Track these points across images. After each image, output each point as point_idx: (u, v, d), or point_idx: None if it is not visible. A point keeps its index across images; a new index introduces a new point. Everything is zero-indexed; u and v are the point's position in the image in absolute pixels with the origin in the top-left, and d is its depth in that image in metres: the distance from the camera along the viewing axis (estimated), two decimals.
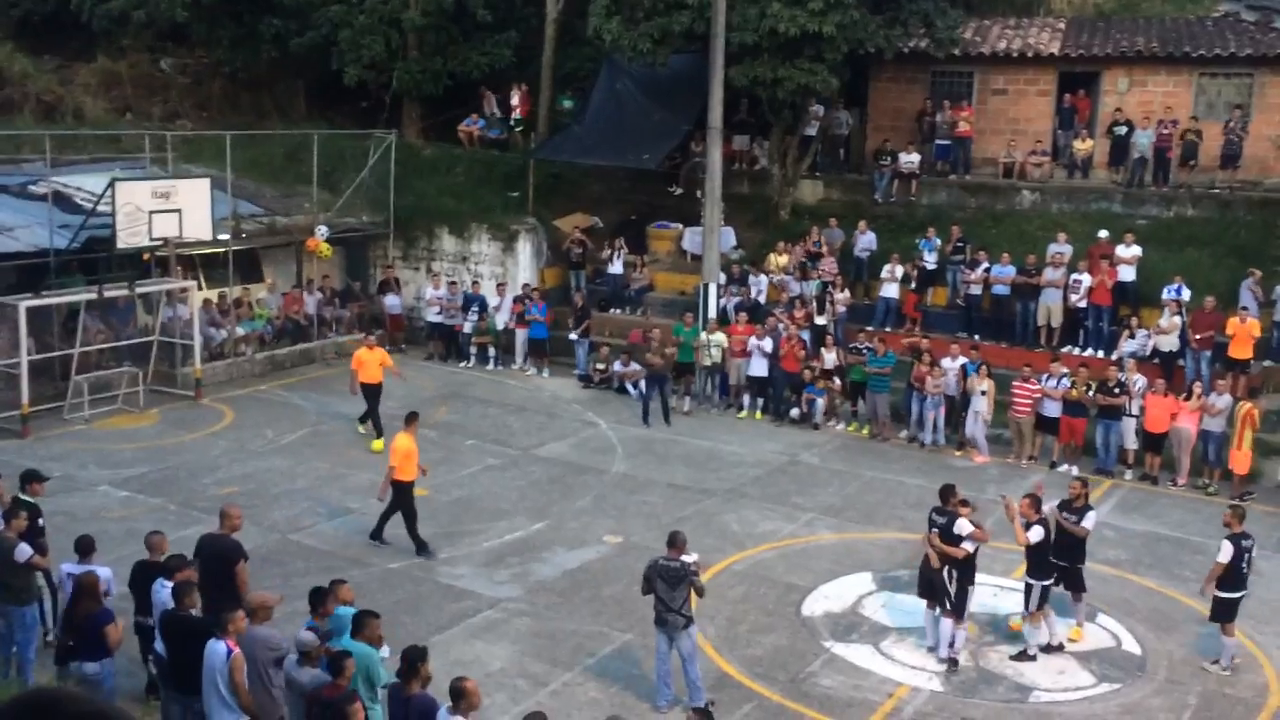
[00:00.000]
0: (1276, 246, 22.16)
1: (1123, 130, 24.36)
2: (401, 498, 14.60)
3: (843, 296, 22.64)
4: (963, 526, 12.28)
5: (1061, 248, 21.74)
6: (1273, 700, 11.84)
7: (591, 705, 11.12)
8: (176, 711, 9.80)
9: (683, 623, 10.98)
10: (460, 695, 8.41)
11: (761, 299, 23.41)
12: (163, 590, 10.19)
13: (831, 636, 13.01)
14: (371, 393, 19.26)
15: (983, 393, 19.17)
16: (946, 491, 12.64)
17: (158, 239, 20.85)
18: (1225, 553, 12.30)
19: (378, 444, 18.68)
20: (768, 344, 21.14)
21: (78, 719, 1.87)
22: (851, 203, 26.11)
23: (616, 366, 22.74)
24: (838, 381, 20.80)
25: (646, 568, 11.24)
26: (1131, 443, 18.66)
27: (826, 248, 23.86)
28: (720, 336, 21.78)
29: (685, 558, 11.09)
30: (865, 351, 20.55)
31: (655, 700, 11.28)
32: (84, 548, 10.89)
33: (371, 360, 19.24)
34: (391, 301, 25.77)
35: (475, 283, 25.63)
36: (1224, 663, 12.41)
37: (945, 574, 12.33)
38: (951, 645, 12.39)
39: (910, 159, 25.62)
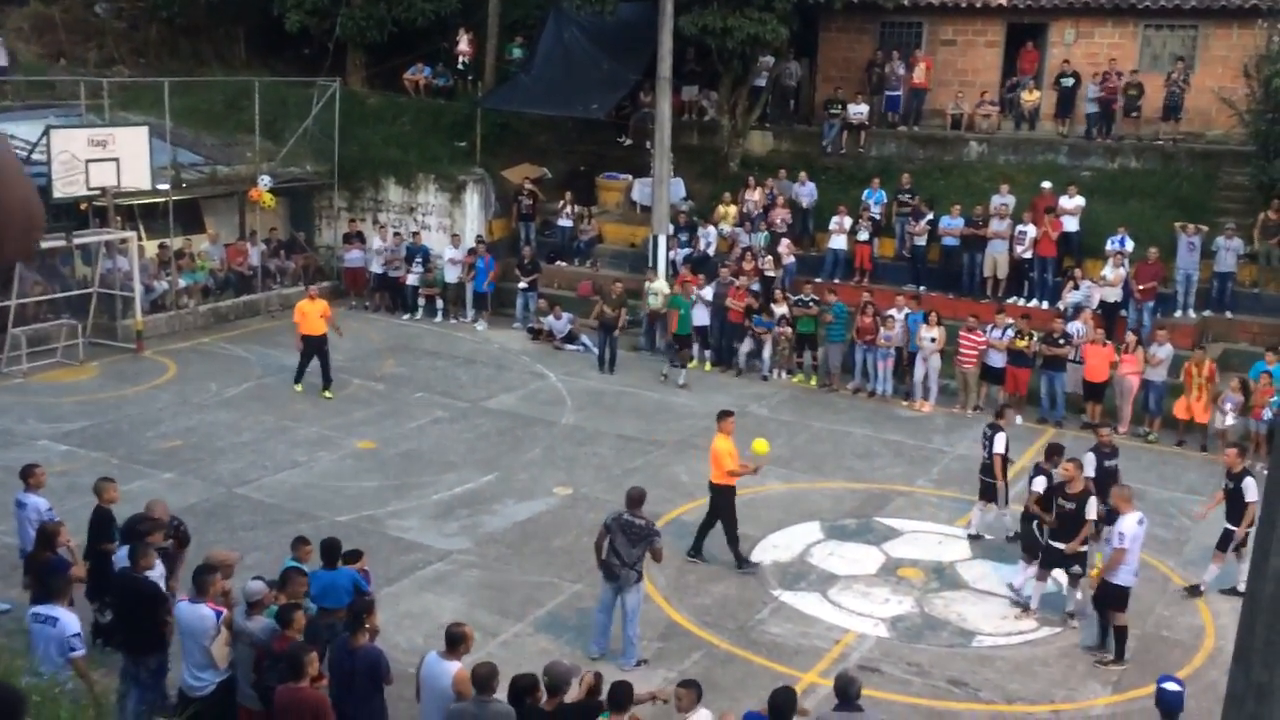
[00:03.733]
0: (1218, 198, 22.46)
1: (1069, 82, 24.49)
2: (724, 504, 13.37)
3: (786, 245, 22.64)
4: (1091, 509, 12.25)
5: (1004, 199, 21.90)
6: (1208, 642, 12.13)
7: (542, 655, 11.13)
8: (130, 671, 9.70)
9: (635, 578, 11.07)
10: (460, 640, 8.44)
11: (711, 251, 23.38)
12: (31, 499, 10.39)
13: (780, 585, 13.14)
14: (313, 345, 18.87)
15: (931, 340, 19.37)
16: (1053, 450, 13.06)
17: (95, 189, 20.39)
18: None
19: (327, 393, 18.74)
20: (708, 292, 21.17)
21: None
22: (800, 154, 26.06)
23: (549, 320, 22.70)
24: (790, 330, 20.86)
25: (608, 519, 11.24)
26: (1074, 388, 18.95)
27: (780, 199, 23.80)
28: (660, 284, 21.83)
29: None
30: (813, 303, 20.62)
31: (588, 647, 11.37)
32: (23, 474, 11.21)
33: (313, 312, 18.88)
34: (354, 255, 25.33)
35: (416, 233, 25.32)
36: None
37: (1035, 528, 12.73)
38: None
39: (859, 110, 25.59)
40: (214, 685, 8.98)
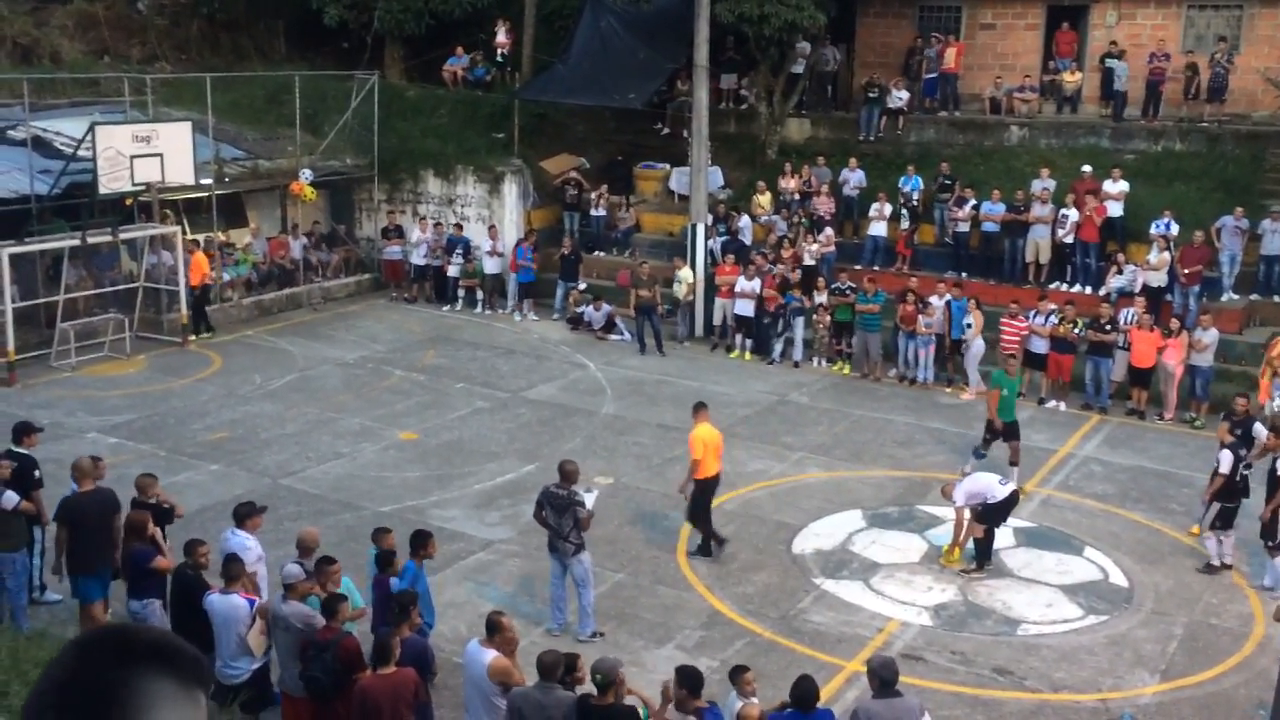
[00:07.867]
0: (1264, 180, 22.13)
1: (1115, 63, 24.12)
2: (701, 495, 13.25)
3: (826, 235, 22.55)
4: (1224, 459, 12.95)
5: (1045, 183, 21.67)
6: (1258, 630, 11.99)
7: (584, 645, 11.20)
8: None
9: (572, 549, 11.30)
10: (498, 628, 8.50)
11: (748, 239, 23.32)
12: (233, 538, 10.21)
13: (822, 573, 13.12)
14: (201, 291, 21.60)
15: (967, 325, 19.26)
16: None
17: (140, 184, 20.65)
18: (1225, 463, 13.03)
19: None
20: (756, 284, 21.12)
21: (149, 647, 1.85)
22: (838, 140, 25.93)
23: (588, 310, 22.72)
24: (829, 318, 20.76)
25: (539, 494, 11.55)
26: (1121, 377, 18.76)
27: (820, 186, 23.68)
28: (686, 272, 21.87)
29: (584, 491, 11.43)
30: (849, 291, 20.52)
31: (548, 624, 11.55)
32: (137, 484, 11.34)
33: (204, 261, 21.67)
34: (393, 249, 25.47)
35: (458, 225, 25.46)
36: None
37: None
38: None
39: (900, 95, 25.40)
40: (248, 672, 9.11)
